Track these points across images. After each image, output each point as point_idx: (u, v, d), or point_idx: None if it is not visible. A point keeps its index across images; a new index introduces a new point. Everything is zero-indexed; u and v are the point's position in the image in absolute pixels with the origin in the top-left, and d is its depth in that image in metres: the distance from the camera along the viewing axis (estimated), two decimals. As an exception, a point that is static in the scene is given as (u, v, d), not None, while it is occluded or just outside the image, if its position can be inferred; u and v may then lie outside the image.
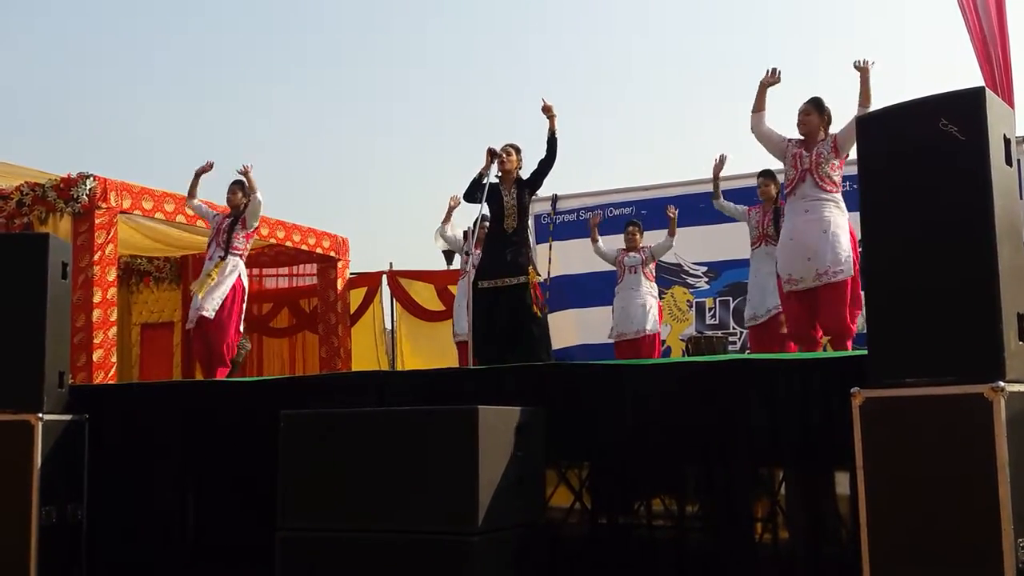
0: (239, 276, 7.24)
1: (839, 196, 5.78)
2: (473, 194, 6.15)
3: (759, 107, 5.99)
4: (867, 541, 2.91)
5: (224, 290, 7.11)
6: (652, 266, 8.17)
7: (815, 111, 5.85)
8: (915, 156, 2.99)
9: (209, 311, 7.04)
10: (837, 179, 5.77)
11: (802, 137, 5.88)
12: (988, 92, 2.95)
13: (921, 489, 2.84)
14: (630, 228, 8.23)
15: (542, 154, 6.09)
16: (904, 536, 2.86)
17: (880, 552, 2.89)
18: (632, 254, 8.16)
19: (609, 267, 8.49)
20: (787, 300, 6.01)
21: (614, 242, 8.46)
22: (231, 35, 26.11)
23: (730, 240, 7.61)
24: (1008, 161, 2.96)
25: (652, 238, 8.30)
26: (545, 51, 27.14)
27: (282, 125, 26.40)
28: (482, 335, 6.00)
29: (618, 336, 8.10)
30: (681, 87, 26.91)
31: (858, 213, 3.26)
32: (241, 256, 7.30)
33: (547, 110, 6.00)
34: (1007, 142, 2.97)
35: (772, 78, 5.93)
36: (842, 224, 5.71)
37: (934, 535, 2.81)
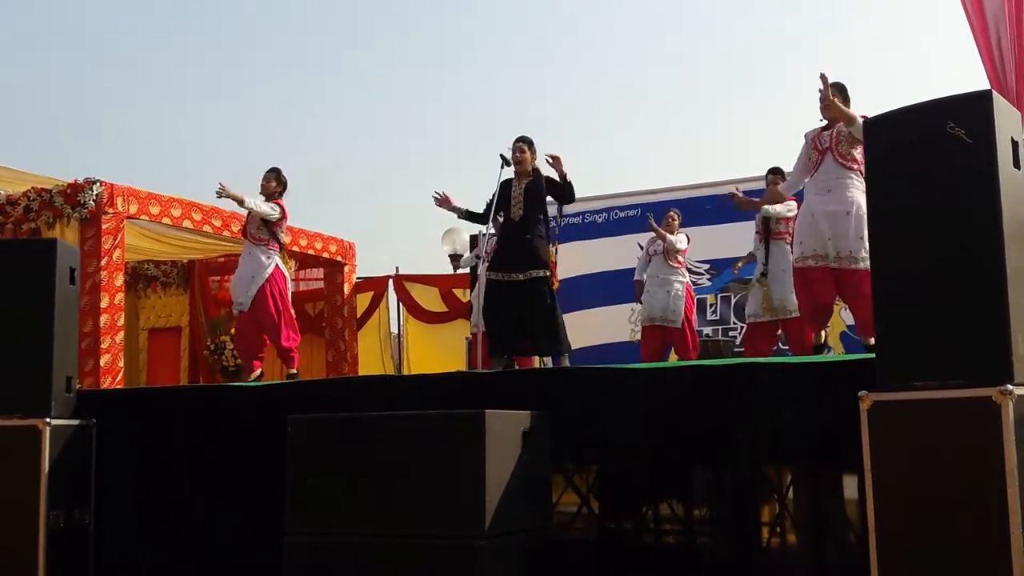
0: (275, 266, 7.23)
1: (861, 176, 5.57)
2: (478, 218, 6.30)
3: (772, 199, 6.47)
4: (875, 544, 2.91)
5: (258, 283, 7.13)
6: (680, 254, 8.11)
7: (839, 96, 5.73)
8: (923, 158, 2.99)
9: (245, 304, 7.14)
10: (859, 157, 5.61)
11: (825, 123, 5.81)
12: (995, 95, 2.94)
13: (929, 493, 2.83)
14: (670, 213, 8.22)
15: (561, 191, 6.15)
16: (912, 540, 2.85)
17: (888, 556, 2.89)
18: (659, 242, 8.13)
19: (613, 267, 8.51)
20: (801, 273, 5.84)
21: (621, 243, 8.46)
22: (240, 41, 26.19)
23: (733, 239, 7.68)
24: (1016, 163, 2.96)
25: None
26: (551, 59, 27.16)
27: (290, 130, 26.47)
28: (494, 329, 6.02)
29: (644, 323, 8.11)
30: (687, 90, 26.92)
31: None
32: (267, 244, 7.24)
33: (554, 161, 5.99)
34: (1015, 144, 2.97)
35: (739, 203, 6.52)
36: (864, 205, 5.54)
37: (942, 539, 2.80)
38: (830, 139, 5.73)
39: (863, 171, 5.54)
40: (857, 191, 5.61)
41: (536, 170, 6.20)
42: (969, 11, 6.98)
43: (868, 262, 5.38)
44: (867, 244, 5.41)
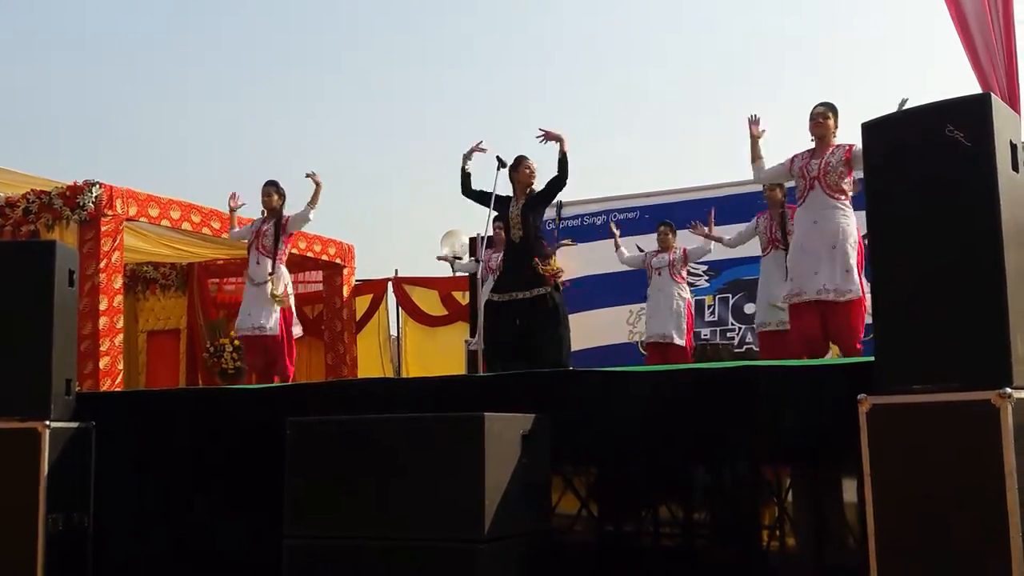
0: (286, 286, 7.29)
1: (848, 204, 5.76)
2: (468, 189, 6.24)
3: (756, 157, 6.14)
4: (874, 548, 2.91)
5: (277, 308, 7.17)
6: (684, 269, 8.04)
7: (831, 115, 5.85)
8: (921, 162, 2.99)
9: (270, 328, 7.12)
10: (847, 188, 5.75)
11: (812, 142, 5.90)
12: (994, 98, 2.95)
13: (928, 496, 2.83)
14: (662, 228, 8.11)
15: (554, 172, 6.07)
16: (912, 543, 2.85)
17: (888, 559, 2.89)
18: (661, 255, 8.05)
19: (612, 268, 8.51)
20: (793, 310, 5.99)
21: (621, 244, 8.48)
22: (240, 41, 26.19)
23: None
24: (1015, 167, 2.96)
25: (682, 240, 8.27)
26: (551, 59, 27.19)
27: (290, 130, 26.48)
28: (494, 349, 6.02)
29: (649, 339, 8.06)
30: (687, 90, 26.93)
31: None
32: (282, 261, 7.28)
33: (550, 137, 5.96)
34: (1014, 147, 2.97)
35: (759, 130, 6.06)
36: (851, 235, 5.69)
37: (942, 542, 2.80)
38: (819, 169, 5.78)
39: (849, 199, 5.70)
40: (843, 220, 5.71)
41: (531, 190, 6.20)
42: (953, 15, 6.99)
43: (851, 294, 5.55)
44: (851, 275, 5.55)
